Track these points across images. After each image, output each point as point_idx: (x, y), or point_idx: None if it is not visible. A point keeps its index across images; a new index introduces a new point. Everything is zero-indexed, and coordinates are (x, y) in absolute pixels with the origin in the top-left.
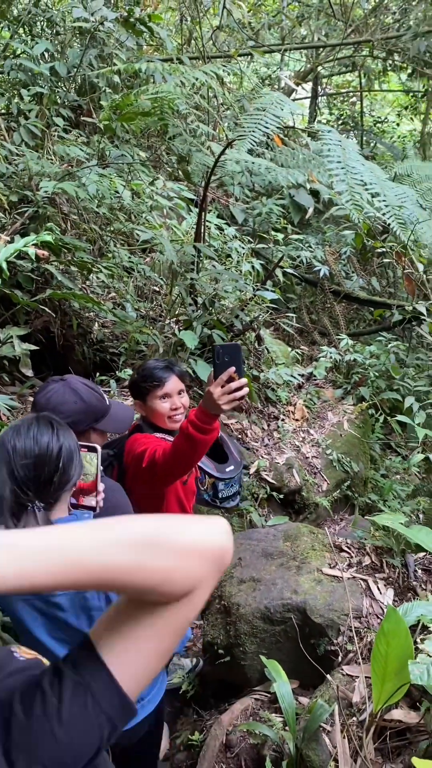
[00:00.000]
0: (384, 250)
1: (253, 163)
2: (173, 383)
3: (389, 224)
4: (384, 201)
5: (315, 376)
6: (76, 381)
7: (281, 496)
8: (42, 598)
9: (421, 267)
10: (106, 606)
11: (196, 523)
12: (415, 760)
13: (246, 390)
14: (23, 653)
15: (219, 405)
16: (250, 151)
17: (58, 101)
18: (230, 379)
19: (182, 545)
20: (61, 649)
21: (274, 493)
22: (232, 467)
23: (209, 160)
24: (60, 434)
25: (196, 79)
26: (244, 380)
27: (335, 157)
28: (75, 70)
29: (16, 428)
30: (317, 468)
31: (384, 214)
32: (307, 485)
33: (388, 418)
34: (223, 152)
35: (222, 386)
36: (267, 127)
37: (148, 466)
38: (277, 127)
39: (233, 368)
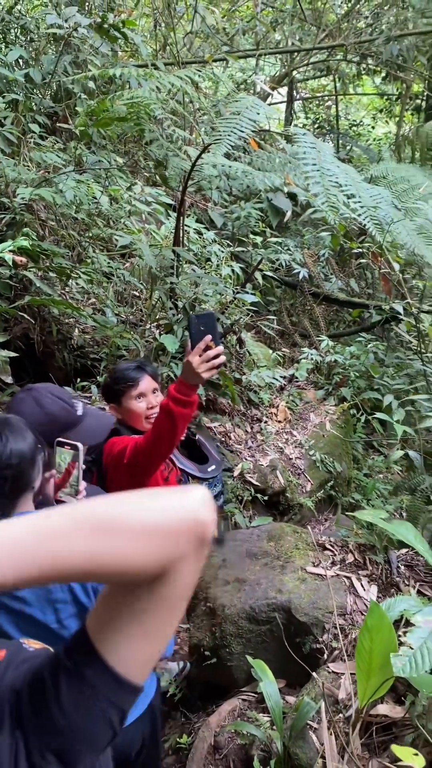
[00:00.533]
0: (361, 250)
1: (230, 167)
2: (147, 382)
3: (366, 225)
4: (359, 202)
5: (297, 377)
6: (43, 390)
7: (265, 498)
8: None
9: (397, 267)
10: (71, 599)
11: (161, 496)
12: (394, 748)
13: (223, 358)
14: (31, 644)
15: (198, 374)
16: (228, 156)
17: (34, 108)
18: (207, 348)
19: (139, 524)
20: None
21: (259, 495)
22: (213, 467)
23: (186, 164)
24: (10, 440)
25: (172, 84)
26: (220, 347)
27: (310, 159)
28: (50, 76)
29: None
30: (301, 469)
31: (360, 216)
32: (291, 486)
33: (370, 417)
34: (199, 156)
35: (200, 355)
36: (242, 131)
37: (131, 460)
38: (253, 131)
39: (209, 336)
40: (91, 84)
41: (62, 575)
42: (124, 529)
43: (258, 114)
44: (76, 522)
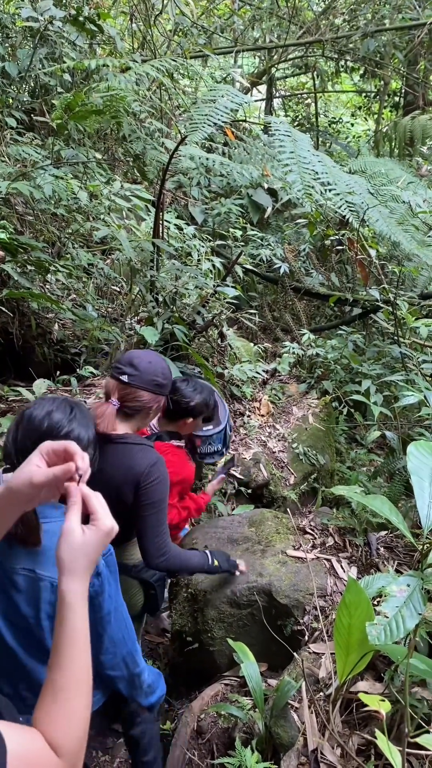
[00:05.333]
0: (339, 238)
1: (207, 158)
2: None
3: (342, 212)
4: (334, 190)
5: (279, 371)
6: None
7: (249, 491)
8: (7, 570)
9: (373, 253)
10: (53, 600)
11: None
12: (362, 696)
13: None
14: None
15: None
16: (209, 149)
17: (11, 102)
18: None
19: None
20: (8, 633)
21: (243, 488)
22: (210, 427)
23: (164, 157)
24: (75, 419)
25: (147, 74)
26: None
27: (287, 148)
28: (26, 71)
29: (40, 402)
30: (284, 462)
31: (335, 204)
32: (275, 479)
33: (352, 410)
34: (177, 147)
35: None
36: (219, 119)
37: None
38: (231, 122)
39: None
40: (67, 77)
41: None
42: None
43: (232, 102)
44: None
